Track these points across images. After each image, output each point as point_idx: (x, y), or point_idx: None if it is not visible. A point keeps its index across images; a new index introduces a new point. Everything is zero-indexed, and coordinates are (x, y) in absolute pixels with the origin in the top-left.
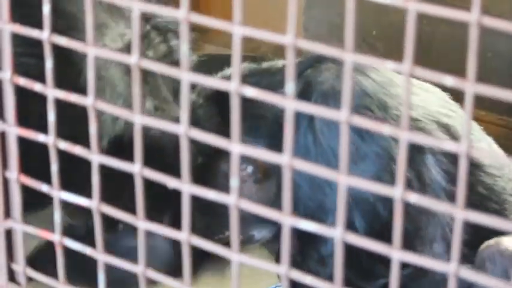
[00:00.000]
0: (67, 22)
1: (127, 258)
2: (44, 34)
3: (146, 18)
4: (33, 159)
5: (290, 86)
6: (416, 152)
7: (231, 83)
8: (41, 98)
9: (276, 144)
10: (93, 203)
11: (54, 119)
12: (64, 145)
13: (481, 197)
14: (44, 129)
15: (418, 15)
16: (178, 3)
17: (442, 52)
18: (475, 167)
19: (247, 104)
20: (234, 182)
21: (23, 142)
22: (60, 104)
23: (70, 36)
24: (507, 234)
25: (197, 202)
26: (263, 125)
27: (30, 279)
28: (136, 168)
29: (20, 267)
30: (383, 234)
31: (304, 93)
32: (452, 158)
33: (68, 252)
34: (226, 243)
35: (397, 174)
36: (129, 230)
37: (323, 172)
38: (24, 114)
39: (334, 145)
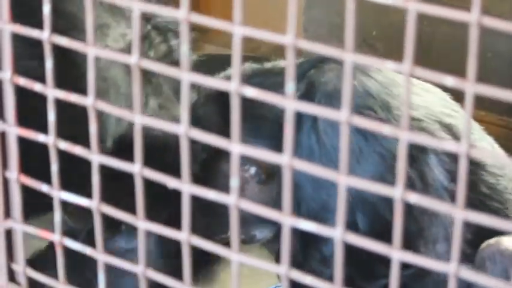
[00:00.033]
0: (68, 22)
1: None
2: (44, 34)
3: (147, 18)
4: (35, 159)
5: (290, 86)
6: (419, 152)
7: (231, 83)
8: (44, 98)
9: (278, 145)
10: (93, 203)
11: (54, 119)
12: (64, 145)
13: (483, 196)
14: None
15: (418, 16)
16: (178, 3)
17: (442, 52)
18: (477, 166)
19: (250, 104)
20: (234, 182)
21: (24, 142)
22: (62, 105)
23: (71, 37)
24: (509, 234)
25: (198, 202)
26: (266, 125)
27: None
28: (136, 168)
29: (20, 267)
30: (386, 234)
31: (308, 93)
32: (455, 157)
33: (67, 254)
34: (228, 243)
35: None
36: (126, 232)
37: (323, 172)
38: (28, 114)
39: (338, 145)
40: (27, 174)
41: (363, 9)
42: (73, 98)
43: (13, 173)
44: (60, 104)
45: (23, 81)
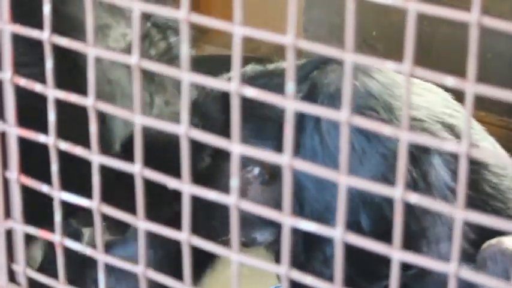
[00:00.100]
0: (69, 24)
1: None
2: (45, 34)
3: (146, 16)
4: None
5: (290, 86)
6: (421, 152)
7: (231, 83)
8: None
9: (282, 146)
10: (93, 203)
11: (54, 119)
12: (64, 145)
13: (486, 195)
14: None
15: (418, 16)
16: (178, 3)
17: (442, 53)
18: (480, 165)
19: (254, 105)
20: (234, 182)
21: (31, 143)
22: (72, 108)
23: (73, 39)
24: (511, 234)
25: (200, 203)
26: (270, 126)
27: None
28: (137, 168)
29: (20, 267)
30: (389, 234)
31: (311, 95)
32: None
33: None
34: (229, 245)
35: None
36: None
37: (324, 172)
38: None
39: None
40: (33, 176)
41: (363, 10)
42: (73, 98)
43: (13, 173)
44: (69, 107)
45: (23, 82)
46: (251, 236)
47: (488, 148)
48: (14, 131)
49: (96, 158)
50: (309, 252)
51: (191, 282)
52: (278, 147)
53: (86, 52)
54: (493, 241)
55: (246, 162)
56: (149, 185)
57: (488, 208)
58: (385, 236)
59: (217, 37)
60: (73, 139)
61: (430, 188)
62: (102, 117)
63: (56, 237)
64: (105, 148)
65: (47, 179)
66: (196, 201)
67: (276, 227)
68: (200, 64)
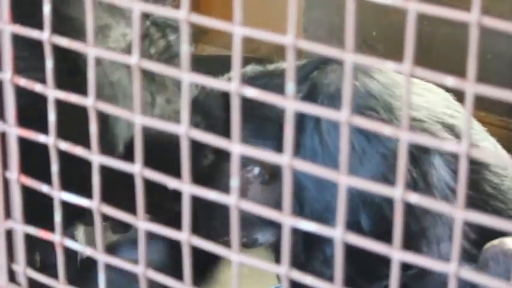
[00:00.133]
0: (69, 26)
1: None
2: (45, 34)
3: (145, 14)
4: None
5: (290, 86)
6: (421, 152)
7: (231, 84)
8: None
9: (282, 146)
10: (93, 203)
11: (54, 119)
12: (65, 146)
13: (487, 196)
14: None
15: (418, 16)
16: (178, 2)
17: (442, 53)
18: (481, 166)
19: (254, 105)
20: (235, 182)
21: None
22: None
23: (73, 40)
24: None
25: (200, 203)
26: (270, 126)
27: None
28: (137, 168)
29: (21, 267)
30: (390, 235)
31: (311, 95)
32: None
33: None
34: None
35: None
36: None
37: (323, 172)
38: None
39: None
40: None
41: (363, 10)
42: (73, 98)
43: (13, 174)
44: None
45: (23, 82)
46: (252, 237)
47: (489, 148)
48: (14, 131)
49: (96, 158)
50: (309, 252)
51: (191, 282)
52: (278, 147)
53: (86, 52)
54: (495, 242)
55: (246, 162)
56: (153, 184)
57: (489, 208)
58: (385, 236)
59: (217, 37)
60: (74, 139)
61: (430, 188)
62: (105, 120)
63: (56, 237)
64: (109, 150)
65: (47, 179)
66: (196, 201)
67: (277, 227)
68: (200, 64)
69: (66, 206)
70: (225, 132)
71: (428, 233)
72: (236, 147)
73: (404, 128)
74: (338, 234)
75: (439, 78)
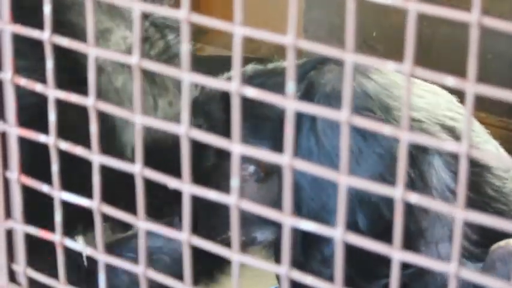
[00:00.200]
0: (70, 31)
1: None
2: (45, 34)
3: (145, 15)
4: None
5: (290, 86)
6: (419, 152)
7: (232, 83)
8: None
9: (280, 145)
10: (93, 203)
11: (54, 119)
12: (65, 145)
13: (488, 198)
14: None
15: (419, 16)
16: (178, 2)
17: (442, 53)
18: (483, 168)
19: (252, 104)
20: (235, 182)
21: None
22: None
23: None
24: None
25: (200, 202)
26: (268, 126)
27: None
28: (137, 168)
29: (21, 267)
30: (387, 234)
31: (307, 94)
32: None
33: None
34: (229, 243)
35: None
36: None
37: (323, 172)
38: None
39: (337, 146)
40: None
41: (363, 10)
42: (74, 98)
43: (14, 173)
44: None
45: (23, 82)
46: (251, 235)
47: (491, 150)
48: (14, 131)
49: (96, 158)
50: (307, 252)
51: (191, 282)
52: (274, 147)
53: (87, 52)
54: (502, 243)
55: (241, 160)
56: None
57: (490, 210)
58: (382, 236)
59: (217, 37)
60: (74, 140)
61: (428, 188)
62: (113, 128)
63: (56, 237)
64: (117, 155)
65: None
66: (196, 199)
67: (276, 226)
68: (200, 64)
69: (66, 210)
70: (225, 134)
71: (427, 233)
72: (236, 147)
73: (405, 128)
74: (338, 234)
75: (439, 78)
